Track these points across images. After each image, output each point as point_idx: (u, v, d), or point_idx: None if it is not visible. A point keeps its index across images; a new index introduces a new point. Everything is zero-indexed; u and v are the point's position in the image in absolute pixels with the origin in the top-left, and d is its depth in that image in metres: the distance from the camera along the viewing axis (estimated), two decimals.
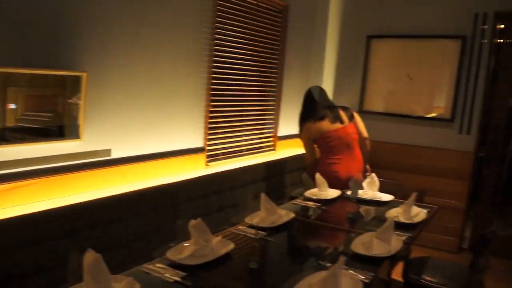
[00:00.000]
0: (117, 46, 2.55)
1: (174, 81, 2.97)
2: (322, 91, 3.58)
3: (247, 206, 3.09)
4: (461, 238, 4.39)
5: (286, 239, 2.35)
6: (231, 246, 2.04)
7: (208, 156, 3.30)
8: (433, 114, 4.43)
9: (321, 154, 3.50)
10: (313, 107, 3.46)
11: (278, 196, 3.49)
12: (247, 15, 3.55)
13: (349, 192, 3.07)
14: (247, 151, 3.71)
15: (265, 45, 3.83)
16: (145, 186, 2.69)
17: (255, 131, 3.85)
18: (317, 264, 1.94)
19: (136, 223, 2.50)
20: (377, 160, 4.49)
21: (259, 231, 2.30)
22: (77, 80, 2.29)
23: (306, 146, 3.53)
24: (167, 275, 1.78)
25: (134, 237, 2.43)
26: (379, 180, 3.24)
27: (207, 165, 3.27)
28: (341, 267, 1.65)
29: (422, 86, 4.46)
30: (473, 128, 4.21)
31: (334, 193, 3.08)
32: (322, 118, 3.41)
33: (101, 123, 2.52)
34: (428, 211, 2.84)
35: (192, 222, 1.96)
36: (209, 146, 3.31)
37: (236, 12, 3.42)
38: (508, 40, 4.19)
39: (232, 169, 3.33)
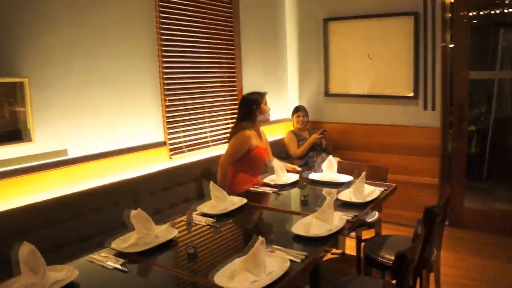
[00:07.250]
0: (56, 49, 2.63)
1: (124, 78, 3.04)
2: None
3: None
4: None
5: (232, 225, 2.44)
6: (175, 233, 2.14)
7: (171, 150, 3.39)
8: (396, 92, 4.43)
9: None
10: None
11: None
12: (193, 3, 3.57)
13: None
14: (212, 142, 3.78)
15: (216, 34, 3.83)
16: (105, 182, 2.80)
17: (219, 121, 3.90)
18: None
19: (97, 218, 2.61)
20: (347, 141, 4.56)
21: (208, 218, 2.41)
22: (20, 86, 2.39)
23: None
24: (108, 263, 1.89)
25: (96, 232, 2.51)
26: (344, 162, 3.32)
27: (171, 158, 3.36)
28: (259, 247, 1.72)
29: (383, 65, 4.45)
30: (437, 104, 4.23)
31: (292, 177, 3.18)
32: None
33: (53, 124, 2.62)
34: (384, 189, 2.91)
35: (133, 212, 2.07)
36: (171, 140, 3.39)
37: (180, 1, 3.46)
38: (460, 13, 4.17)
39: (196, 161, 3.42)
